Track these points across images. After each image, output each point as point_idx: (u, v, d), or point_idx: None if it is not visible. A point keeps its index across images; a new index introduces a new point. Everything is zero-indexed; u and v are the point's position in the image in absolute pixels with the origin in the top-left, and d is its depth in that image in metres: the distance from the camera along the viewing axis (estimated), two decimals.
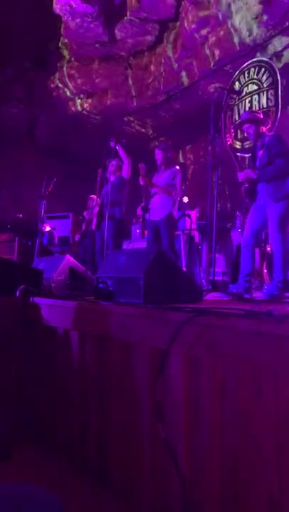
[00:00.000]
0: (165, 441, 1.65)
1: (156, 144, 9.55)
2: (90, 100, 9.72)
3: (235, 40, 7.35)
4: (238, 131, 6.97)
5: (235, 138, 7.09)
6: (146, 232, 5.20)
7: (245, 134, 3.83)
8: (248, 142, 6.69)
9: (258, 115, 3.69)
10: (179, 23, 8.19)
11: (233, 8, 7.04)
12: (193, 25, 7.68)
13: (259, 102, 7.06)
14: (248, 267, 3.51)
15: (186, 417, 1.66)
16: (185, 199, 7.54)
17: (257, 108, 6.91)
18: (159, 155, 4.83)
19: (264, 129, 3.61)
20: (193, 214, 6.81)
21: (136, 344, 1.95)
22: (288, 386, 1.35)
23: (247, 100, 7.35)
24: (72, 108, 10.02)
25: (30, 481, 2.08)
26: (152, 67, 8.82)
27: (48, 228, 6.26)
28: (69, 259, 3.19)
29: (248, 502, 1.45)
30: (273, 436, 1.40)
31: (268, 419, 1.41)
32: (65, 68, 9.83)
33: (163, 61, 8.67)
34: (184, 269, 5.72)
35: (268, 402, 1.41)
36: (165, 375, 1.71)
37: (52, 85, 10.11)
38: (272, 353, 1.39)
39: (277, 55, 7.24)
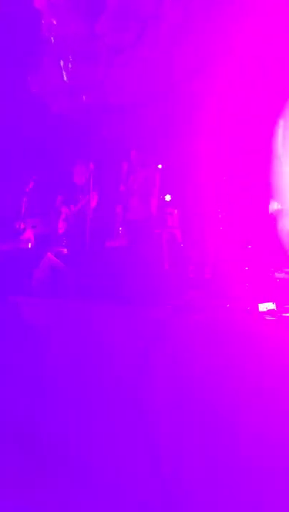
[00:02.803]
0: (147, 440, 1.64)
1: (135, 143, 9.51)
2: (71, 97, 9.63)
3: (216, 40, 7.38)
4: None
5: None
6: (126, 230, 5.20)
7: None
8: None
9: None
10: (160, 19, 8.18)
11: (213, 7, 7.08)
12: (175, 23, 7.69)
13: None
14: (229, 264, 3.53)
15: (169, 415, 1.66)
16: (167, 197, 7.54)
17: None
18: (134, 155, 4.81)
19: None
20: (175, 212, 6.82)
21: (118, 342, 1.95)
22: (266, 377, 1.37)
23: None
24: (54, 105, 9.91)
25: None
26: (134, 65, 8.80)
27: (22, 225, 6.13)
28: (49, 257, 3.17)
29: (226, 498, 1.46)
30: (249, 431, 1.41)
31: (243, 414, 1.42)
32: (45, 65, 9.71)
33: (145, 58, 8.65)
34: (166, 266, 5.73)
35: (247, 393, 1.42)
36: (148, 373, 1.71)
37: (32, 82, 9.97)
38: (249, 346, 1.41)
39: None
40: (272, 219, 4.85)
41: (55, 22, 8.50)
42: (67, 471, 2.16)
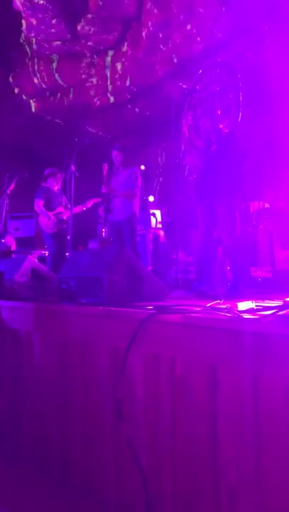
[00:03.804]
0: (127, 440, 1.65)
1: (117, 143, 9.52)
2: (52, 99, 9.58)
3: (198, 40, 7.44)
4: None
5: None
6: (109, 232, 5.20)
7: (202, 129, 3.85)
8: None
9: (217, 111, 3.73)
10: (142, 21, 8.20)
11: (195, 8, 7.13)
12: (156, 25, 7.72)
13: (221, 102, 7.18)
14: (211, 264, 3.56)
15: (147, 415, 1.67)
16: (151, 198, 7.57)
17: (218, 108, 7.01)
18: (116, 156, 4.77)
19: (221, 125, 3.63)
20: (159, 213, 6.86)
21: (97, 344, 1.94)
22: (243, 379, 1.39)
23: (209, 100, 7.46)
24: (35, 106, 9.85)
25: None
26: (116, 66, 8.80)
27: (4, 228, 6.03)
28: (31, 259, 3.13)
29: (207, 495, 1.48)
30: (231, 428, 1.43)
31: (225, 411, 1.44)
32: (27, 65, 9.63)
33: (127, 60, 8.65)
34: (150, 267, 5.74)
35: (224, 394, 1.44)
36: (126, 374, 1.72)
37: (14, 83, 9.89)
38: (228, 346, 1.42)
39: (240, 56, 7.38)
40: (254, 218, 4.92)
41: (35, 22, 8.42)
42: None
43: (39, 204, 5.22)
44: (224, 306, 1.78)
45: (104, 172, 4.63)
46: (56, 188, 5.35)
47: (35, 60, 9.38)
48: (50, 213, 5.21)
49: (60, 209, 5.27)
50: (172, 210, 6.26)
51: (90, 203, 5.30)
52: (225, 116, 3.69)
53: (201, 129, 3.67)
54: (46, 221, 5.23)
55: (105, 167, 4.62)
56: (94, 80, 9.04)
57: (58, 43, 8.75)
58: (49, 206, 5.24)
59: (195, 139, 4.01)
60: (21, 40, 9.67)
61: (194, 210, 3.53)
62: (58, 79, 9.25)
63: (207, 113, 3.68)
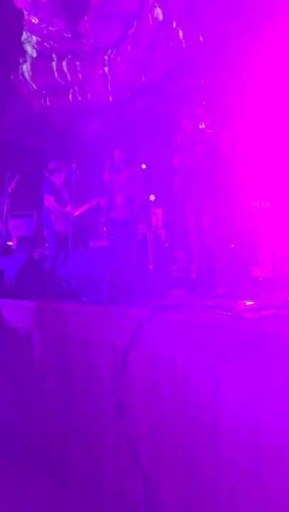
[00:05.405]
0: (127, 439, 1.64)
1: (119, 142, 9.48)
2: (53, 97, 9.56)
3: (200, 38, 7.42)
4: None
5: None
6: (110, 230, 5.18)
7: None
8: None
9: (197, 111, 3.72)
10: (143, 19, 8.18)
11: (195, 6, 7.11)
12: (157, 23, 7.70)
13: (210, 102, 7.11)
14: (211, 263, 3.55)
15: (147, 415, 1.66)
16: (152, 197, 7.56)
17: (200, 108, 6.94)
18: (118, 154, 4.76)
19: (203, 124, 3.63)
20: (160, 212, 6.84)
21: (98, 342, 1.94)
22: (243, 378, 1.38)
23: (202, 99, 7.41)
24: (36, 105, 9.83)
25: None
26: (117, 64, 8.78)
27: (4, 227, 5.98)
28: (32, 258, 3.13)
29: (207, 495, 1.47)
30: (231, 428, 1.42)
31: (225, 411, 1.43)
32: (28, 63, 9.62)
33: (128, 58, 8.63)
34: (151, 266, 5.73)
35: (224, 394, 1.43)
36: (126, 373, 1.71)
37: (15, 81, 9.87)
38: (228, 345, 1.42)
39: (239, 55, 7.36)
40: (255, 217, 4.91)
41: (37, 21, 8.41)
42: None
43: (51, 200, 5.03)
44: (225, 306, 1.77)
45: (107, 164, 4.62)
46: (59, 182, 5.22)
47: (36, 59, 9.36)
48: (64, 211, 5.07)
49: (69, 208, 5.15)
50: (172, 209, 6.25)
51: (94, 201, 5.23)
52: (208, 116, 3.68)
53: (185, 129, 3.66)
54: (60, 220, 5.06)
55: (108, 165, 4.62)
56: (95, 78, 9.02)
57: (60, 41, 8.73)
58: (57, 203, 5.11)
59: (182, 139, 3.99)
60: (22, 39, 9.66)
61: (182, 210, 3.53)
62: (58, 78, 9.24)
63: (191, 113, 3.67)
